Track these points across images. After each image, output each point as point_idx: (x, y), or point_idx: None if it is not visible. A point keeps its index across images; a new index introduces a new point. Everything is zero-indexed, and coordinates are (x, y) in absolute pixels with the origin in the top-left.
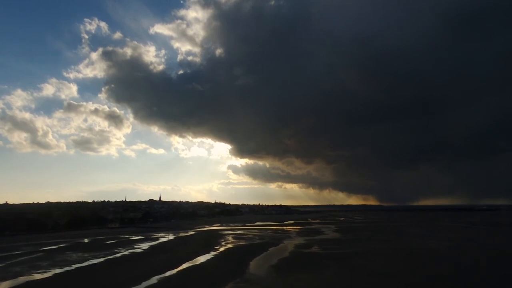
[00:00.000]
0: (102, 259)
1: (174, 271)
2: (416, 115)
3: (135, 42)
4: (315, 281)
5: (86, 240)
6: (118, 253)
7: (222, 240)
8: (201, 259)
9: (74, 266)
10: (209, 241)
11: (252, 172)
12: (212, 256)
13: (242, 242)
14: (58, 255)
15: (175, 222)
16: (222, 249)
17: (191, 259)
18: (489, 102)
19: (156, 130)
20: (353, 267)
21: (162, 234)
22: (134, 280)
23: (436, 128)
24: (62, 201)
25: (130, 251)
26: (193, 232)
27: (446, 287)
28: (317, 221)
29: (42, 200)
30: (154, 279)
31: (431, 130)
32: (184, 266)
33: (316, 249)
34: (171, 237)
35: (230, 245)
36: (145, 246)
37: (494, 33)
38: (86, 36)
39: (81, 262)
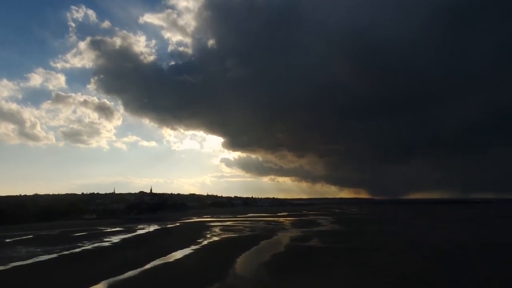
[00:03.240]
0: (54, 255)
1: (137, 271)
2: (409, 109)
3: (125, 32)
4: (319, 284)
5: (52, 233)
6: (79, 247)
7: (208, 232)
8: (178, 254)
9: (12, 265)
10: (192, 234)
11: (245, 166)
12: (192, 251)
13: (230, 235)
14: (4, 250)
15: (161, 214)
16: (205, 242)
17: (165, 255)
18: (481, 97)
19: (147, 122)
20: (363, 265)
21: (142, 226)
22: (77, 284)
23: (428, 122)
24: (51, 193)
25: (96, 245)
26: (177, 224)
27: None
28: (312, 212)
29: (31, 192)
30: (104, 283)
31: (423, 125)
32: (152, 264)
33: (316, 243)
34: (151, 229)
35: (215, 238)
36: (116, 239)
37: (488, 28)
38: (73, 25)
39: (26, 259)
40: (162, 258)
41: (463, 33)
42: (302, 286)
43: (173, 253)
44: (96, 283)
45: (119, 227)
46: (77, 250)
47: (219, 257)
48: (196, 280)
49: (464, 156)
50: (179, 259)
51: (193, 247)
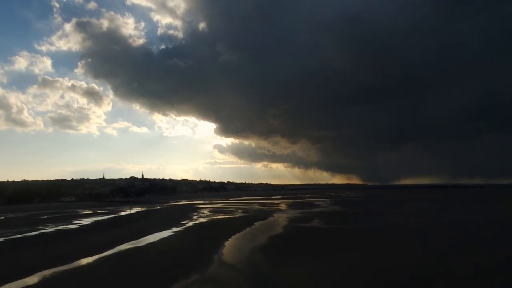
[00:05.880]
0: (1, 239)
1: (93, 258)
2: (401, 95)
3: (112, 13)
4: (334, 270)
5: (19, 215)
6: (38, 230)
7: (195, 214)
8: (154, 237)
9: None
10: (177, 215)
11: (238, 152)
12: (172, 233)
13: (219, 216)
14: None
15: (149, 197)
16: (190, 224)
17: (138, 238)
18: (472, 83)
19: (138, 107)
20: (379, 246)
21: (124, 208)
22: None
23: (420, 108)
24: (40, 179)
25: (60, 227)
26: (163, 206)
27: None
28: (308, 195)
29: (19, 179)
30: (37, 275)
31: (415, 111)
32: (117, 249)
33: (318, 224)
34: (133, 211)
35: (202, 220)
36: (88, 221)
37: (481, 15)
38: (58, 5)
39: None
40: (133, 241)
41: (456, 20)
42: (311, 273)
43: (148, 236)
44: (28, 275)
45: (98, 209)
46: (33, 233)
47: (204, 241)
48: (168, 269)
49: (455, 142)
50: (154, 242)
51: (175, 229)
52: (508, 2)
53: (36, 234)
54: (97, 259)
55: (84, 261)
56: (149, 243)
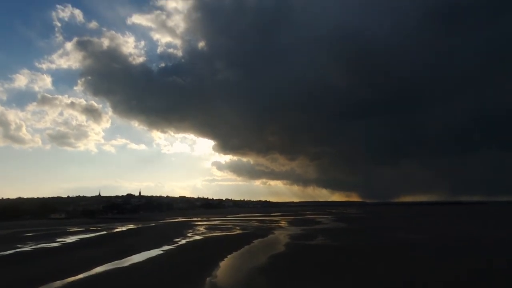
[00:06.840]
0: None
1: (68, 280)
2: (399, 111)
3: (113, 32)
4: None
5: (2, 233)
6: (16, 248)
7: (190, 231)
8: (141, 257)
9: None
10: (170, 233)
11: (236, 169)
12: (162, 252)
13: (215, 233)
14: None
15: (144, 214)
16: (183, 242)
17: (123, 257)
18: (471, 99)
19: (136, 125)
20: (395, 263)
21: (115, 225)
22: None
23: (418, 124)
24: (36, 197)
25: (41, 246)
26: (158, 223)
27: None
28: (308, 212)
29: (15, 196)
30: None
31: (413, 127)
32: (97, 270)
33: (323, 241)
34: (124, 228)
35: (197, 237)
36: (73, 239)
37: (476, 32)
38: (59, 24)
39: None
40: (115, 262)
41: (452, 36)
42: None
43: (134, 256)
44: None
45: (87, 227)
46: (8, 252)
47: (197, 260)
48: None
49: (454, 158)
50: (139, 262)
51: (166, 247)
52: (502, 16)
53: (11, 253)
54: (71, 282)
55: (57, 284)
56: (134, 263)
